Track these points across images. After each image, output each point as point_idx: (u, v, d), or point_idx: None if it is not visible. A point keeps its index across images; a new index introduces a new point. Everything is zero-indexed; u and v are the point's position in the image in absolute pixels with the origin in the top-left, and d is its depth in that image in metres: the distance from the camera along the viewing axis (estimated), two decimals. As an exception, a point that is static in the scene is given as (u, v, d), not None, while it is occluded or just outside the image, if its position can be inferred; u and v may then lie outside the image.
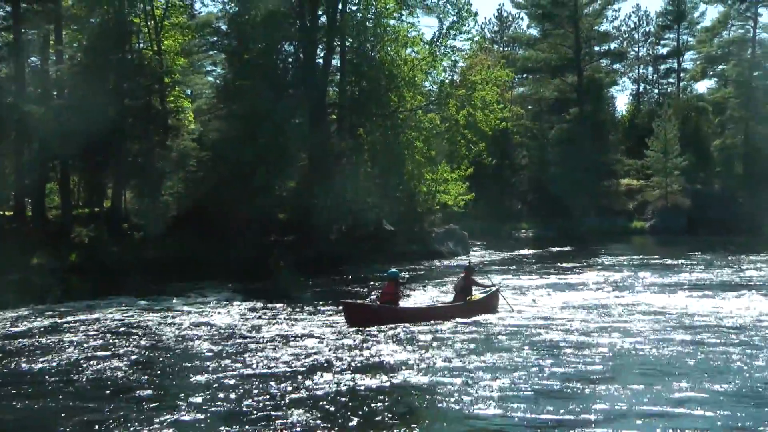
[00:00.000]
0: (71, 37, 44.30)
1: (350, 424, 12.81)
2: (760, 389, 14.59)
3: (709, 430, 12.09)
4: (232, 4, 46.98)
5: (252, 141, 40.00)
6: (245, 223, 38.08)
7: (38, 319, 24.74)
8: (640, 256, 45.99)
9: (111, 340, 20.88)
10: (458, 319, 23.08)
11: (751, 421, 12.56)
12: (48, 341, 20.86)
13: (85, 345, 20.18)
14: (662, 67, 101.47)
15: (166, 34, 44.59)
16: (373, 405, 13.89)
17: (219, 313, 25.73)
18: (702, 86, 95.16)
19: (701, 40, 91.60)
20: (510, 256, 49.26)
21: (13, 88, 40.81)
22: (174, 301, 28.49)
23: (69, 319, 24.59)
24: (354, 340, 20.14)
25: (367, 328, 21.83)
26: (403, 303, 24.81)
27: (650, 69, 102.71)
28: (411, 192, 47.30)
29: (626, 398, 13.88)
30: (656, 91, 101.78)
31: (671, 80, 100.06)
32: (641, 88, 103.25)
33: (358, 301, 27.20)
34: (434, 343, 19.45)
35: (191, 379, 15.99)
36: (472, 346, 19.00)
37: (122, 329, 22.70)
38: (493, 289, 26.48)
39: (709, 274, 35.22)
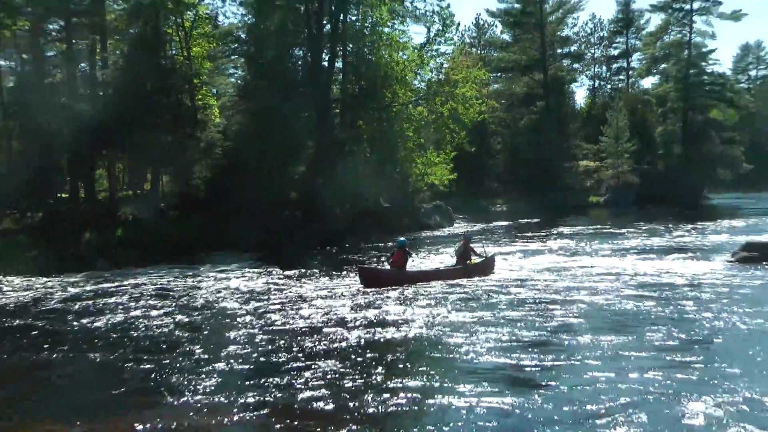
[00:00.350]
0: (114, 46, 44.28)
1: (368, 369, 12.80)
2: (704, 333, 14.73)
3: (661, 367, 12.11)
4: (250, 16, 46.96)
5: (267, 132, 39.90)
6: (262, 202, 37.97)
7: (91, 284, 24.83)
8: (597, 226, 46.11)
9: (153, 301, 20.99)
10: (458, 281, 23.21)
11: (696, 356, 12.68)
12: (100, 302, 20.97)
13: (131, 305, 20.28)
14: (614, 66, 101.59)
15: (194, 42, 44.60)
16: (386, 354, 13.99)
17: (243, 277, 25.80)
18: (647, 82, 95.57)
19: (646, 44, 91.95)
20: (487, 227, 49.30)
21: (66, 90, 40.83)
22: (203, 268, 28.59)
23: (116, 283, 24.69)
24: (369, 299, 20.20)
25: (380, 289, 21.95)
26: (410, 267, 24.72)
27: (604, 68, 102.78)
28: (404, 174, 47.44)
29: (594, 344, 13.97)
30: (609, 86, 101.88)
31: (621, 77, 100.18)
32: (596, 84, 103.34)
33: (372, 266, 27.36)
34: (437, 301, 19.53)
35: (227, 333, 16.00)
36: (468, 302, 19.11)
37: (161, 292, 22.83)
38: (490, 254, 26.63)
39: (653, 240, 35.41)
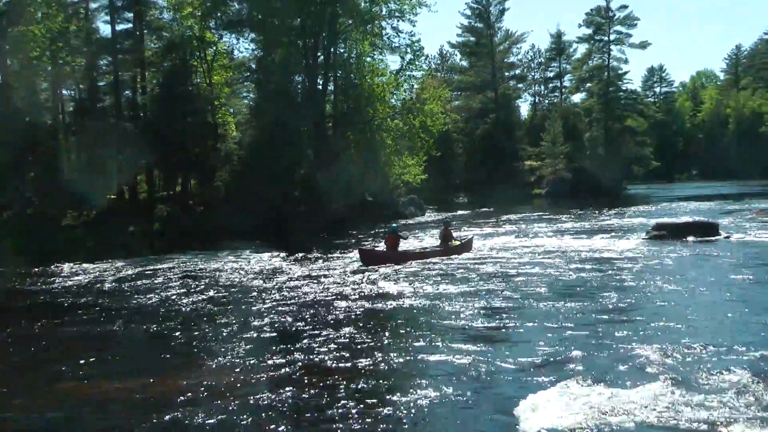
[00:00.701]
0: (151, 76, 44.06)
1: (369, 331, 12.82)
2: (629, 294, 14.80)
3: (599, 322, 12.22)
4: (259, 50, 46.65)
5: (274, 143, 39.70)
6: (271, 199, 37.81)
7: (135, 267, 24.72)
8: (540, 213, 46.16)
9: (186, 280, 20.93)
10: (442, 258, 23.16)
11: (625, 313, 12.76)
12: (143, 282, 20.91)
13: (168, 284, 20.22)
14: (550, 85, 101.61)
15: (215, 72, 44.44)
16: (382, 318, 14.12)
17: (260, 259, 25.68)
18: (576, 98, 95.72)
19: (575, 67, 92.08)
20: (452, 215, 49.34)
21: (114, 112, 40.72)
22: (224, 253, 28.29)
23: (155, 267, 24.62)
24: (367, 275, 20.17)
25: (376, 266, 21.96)
26: (401, 248, 24.58)
27: (542, 87, 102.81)
28: (385, 174, 47.38)
29: (547, 308, 14.04)
30: (546, 101, 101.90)
31: (556, 94, 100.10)
32: (536, 100, 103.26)
33: (370, 247, 27.29)
34: (425, 276, 19.44)
35: (251, 306, 15.91)
36: (449, 277, 19.06)
37: (192, 272, 22.75)
38: (469, 236, 26.76)
39: (583, 223, 35.51)
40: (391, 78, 47.73)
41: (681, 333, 11.53)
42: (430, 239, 29.37)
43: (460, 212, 52.23)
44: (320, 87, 46.74)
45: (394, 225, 25.53)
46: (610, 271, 18.58)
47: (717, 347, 10.56)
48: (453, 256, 23.49)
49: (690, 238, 25.18)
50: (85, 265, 25.78)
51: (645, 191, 79.72)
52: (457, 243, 25.11)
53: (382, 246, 25.47)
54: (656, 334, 11.55)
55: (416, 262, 22.55)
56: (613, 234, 28.89)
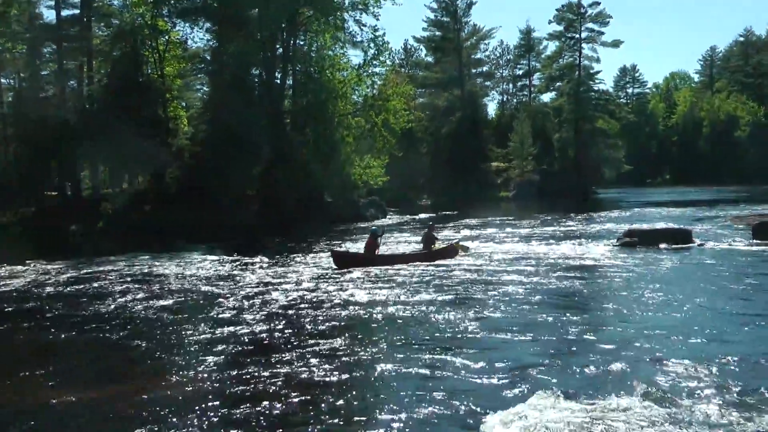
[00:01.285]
0: (99, 65, 43.55)
1: (329, 345, 12.57)
2: (597, 303, 14.93)
3: (568, 327, 12.27)
4: (214, 41, 46.24)
5: (228, 139, 39.33)
6: (225, 197, 37.53)
7: (77, 269, 24.34)
8: (506, 217, 46.20)
9: (134, 285, 20.42)
10: (424, 262, 22.86)
11: (591, 319, 12.83)
12: (87, 286, 20.54)
13: (112, 287, 19.85)
14: (519, 83, 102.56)
15: (167, 63, 44.13)
16: (348, 330, 13.61)
17: (213, 261, 25.34)
18: (546, 97, 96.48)
19: (545, 65, 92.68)
20: (414, 218, 49.38)
21: (58, 103, 40.09)
22: (173, 254, 27.92)
23: (99, 269, 24.34)
24: (341, 279, 19.93)
25: (351, 269, 21.67)
26: (381, 251, 24.38)
27: (510, 85, 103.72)
28: (344, 174, 47.35)
29: (516, 320, 14.04)
30: (515, 100, 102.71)
31: (525, 93, 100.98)
32: (504, 98, 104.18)
33: (344, 249, 27.07)
34: (404, 281, 19.22)
35: (207, 315, 15.43)
36: (431, 282, 18.87)
37: (139, 276, 22.40)
38: (453, 241, 26.61)
39: (551, 228, 35.78)
40: (353, 73, 47.79)
41: (653, 344, 11.64)
42: (406, 245, 29.12)
43: (422, 215, 52.29)
44: (278, 81, 46.64)
45: (374, 227, 25.46)
46: (579, 280, 18.68)
47: (691, 359, 10.67)
48: (438, 261, 23.13)
49: (662, 246, 25.42)
50: (21, 267, 25.25)
51: (616, 195, 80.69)
52: (441, 247, 24.91)
53: (357, 248, 25.26)
54: (628, 344, 11.64)
55: (394, 267, 22.15)
56: (582, 240, 29.08)
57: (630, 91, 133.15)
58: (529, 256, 24.13)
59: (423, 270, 21.37)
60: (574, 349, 11.58)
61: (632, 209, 51.18)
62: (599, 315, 14.30)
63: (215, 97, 44.78)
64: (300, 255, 26.83)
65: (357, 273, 21.07)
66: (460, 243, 26.46)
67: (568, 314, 14.18)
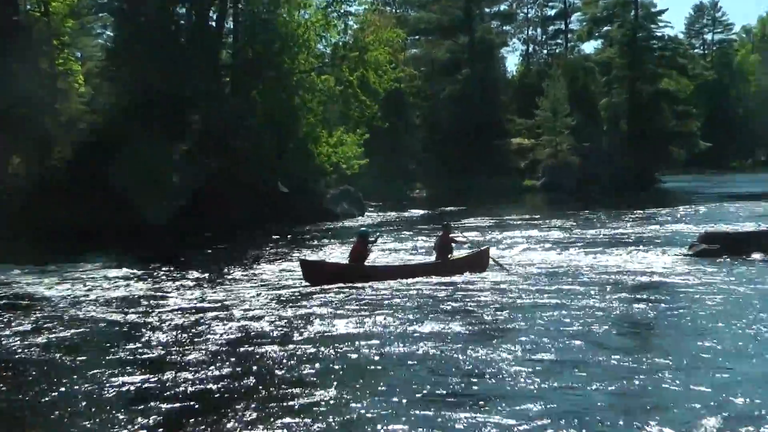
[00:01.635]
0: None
1: (308, 400, 12.24)
2: (665, 337, 14.92)
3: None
4: (122, -35, 46.15)
5: (143, 105, 39.15)
6: (137, 188, 37.34)
7: None
8: (534, 215, 46.08)
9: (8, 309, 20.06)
10: (436, 277, 22.51)
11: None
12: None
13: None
14: (550, 28, 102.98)
15: (53, -4, 43.70)
16: (334, 380, 12.81)
17: (123, 279, 25.04)
18: (588, 47, 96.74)
19: (587, 2, 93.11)
20: (403, 216, 49.31)
21: None
22: (61, 267, 27.45)
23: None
24: (311, 302, 19.46)
25: (329, 287, 21.24)
26: (370, 261, 24.21)
27: (539, 30, 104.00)
28: (306, 154, 47.17)
29: (553, 359, 13.95)
30: (545, 51, 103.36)
31: (559, 41, 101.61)
32: (530, 49, 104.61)
33: (318, 259, 26.90)
34: (404, 304, 18.86)
35: (118, 356, 15.04)
36: (441, 306, 18.40)
37: (11, 296, 22.01)
38: (483, 247, 26.01)
39: (598, 231, 35.83)
40: (318, 13, 47.72)
41: (756, 397, 11.53)
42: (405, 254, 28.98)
43: (414, 212, 52.31)
44: (214, 24, 46.47)
45: (363, 228, 25.40)
46: (642, 303, 18.44)
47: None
48: (456, 276, 22.73)
49: (756, 256, 25.46)
50: None
51: (687, 184, 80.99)
52: (464, 256, 24.66)
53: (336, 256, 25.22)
54: (722, 397, 11.50)
55: (390, 283, 21.70)
56: (641, 247, 29.09)
57: (709, 38, 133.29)
58: (569, 270, 23.98)
59: (433, 288, 21.06)
60: (649, 405, 11.38)
61: (710, 204, 51.39)
62: (678, 356, 13.88)
63: (123, 46, 44.61)
64: (248, 268, 26.69)
65: (336, 292, 20.75)
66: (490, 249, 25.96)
67: (635, 353, 13.99)
